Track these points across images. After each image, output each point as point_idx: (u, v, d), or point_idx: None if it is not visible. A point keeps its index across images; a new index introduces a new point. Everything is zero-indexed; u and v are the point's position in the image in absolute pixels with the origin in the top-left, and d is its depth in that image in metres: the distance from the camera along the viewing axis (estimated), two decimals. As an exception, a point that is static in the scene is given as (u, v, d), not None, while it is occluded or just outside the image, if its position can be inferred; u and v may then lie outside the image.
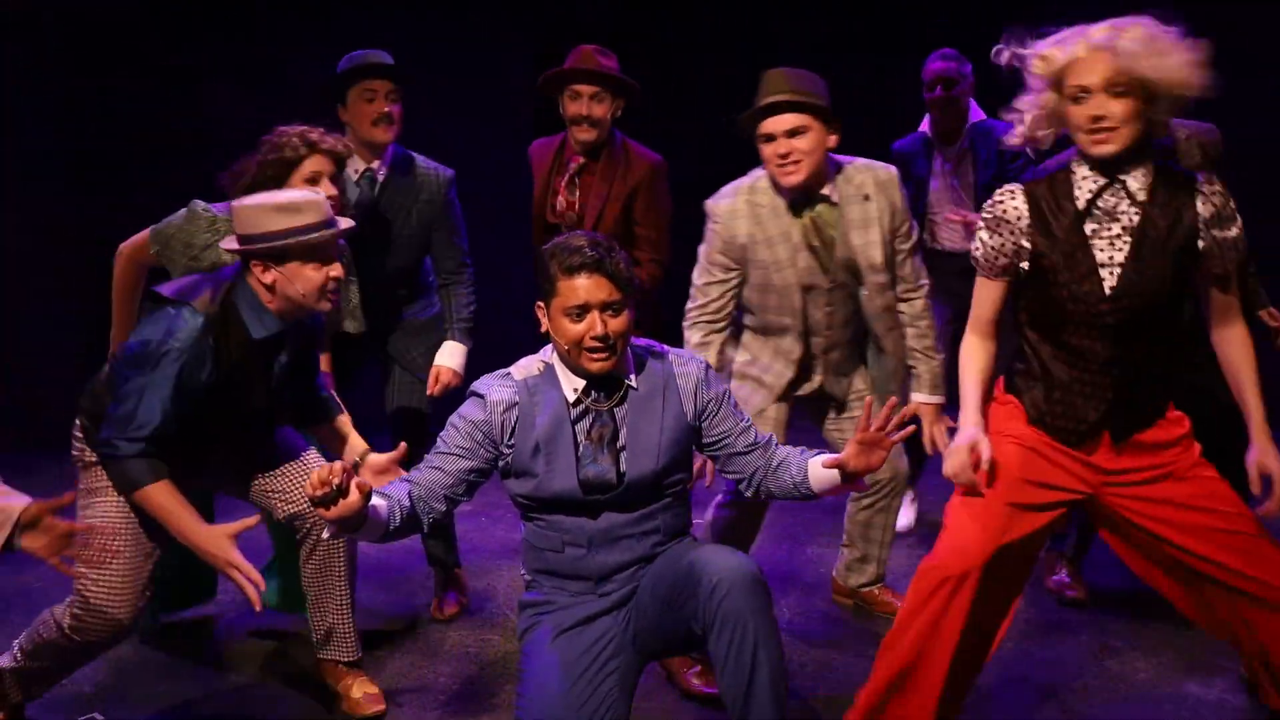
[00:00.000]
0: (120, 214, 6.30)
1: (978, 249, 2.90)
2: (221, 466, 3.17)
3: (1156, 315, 2.77)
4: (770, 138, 3.40)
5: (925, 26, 5.91)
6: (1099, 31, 2.67)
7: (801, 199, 3.48)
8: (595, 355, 2.71)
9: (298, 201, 3.00)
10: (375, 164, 3.86)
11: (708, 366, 2.91)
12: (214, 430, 3.12)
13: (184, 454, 3.02)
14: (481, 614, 4.05)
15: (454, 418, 2.81)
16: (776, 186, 3.50)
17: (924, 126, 4.75)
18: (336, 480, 2.40)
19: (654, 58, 5.76)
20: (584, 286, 2.68)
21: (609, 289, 2.69)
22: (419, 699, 3.46)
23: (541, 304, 2.78)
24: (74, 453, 3.20)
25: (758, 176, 3.55)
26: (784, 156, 3.39)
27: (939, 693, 2.83)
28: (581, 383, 2.79)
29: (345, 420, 3.39)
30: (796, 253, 3.49)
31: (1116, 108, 2.65)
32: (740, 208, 3.51)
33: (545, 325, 2.80)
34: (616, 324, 2.71)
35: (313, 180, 3.40)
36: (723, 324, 3.63)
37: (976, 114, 4.67)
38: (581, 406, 2.79)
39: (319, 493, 2.39)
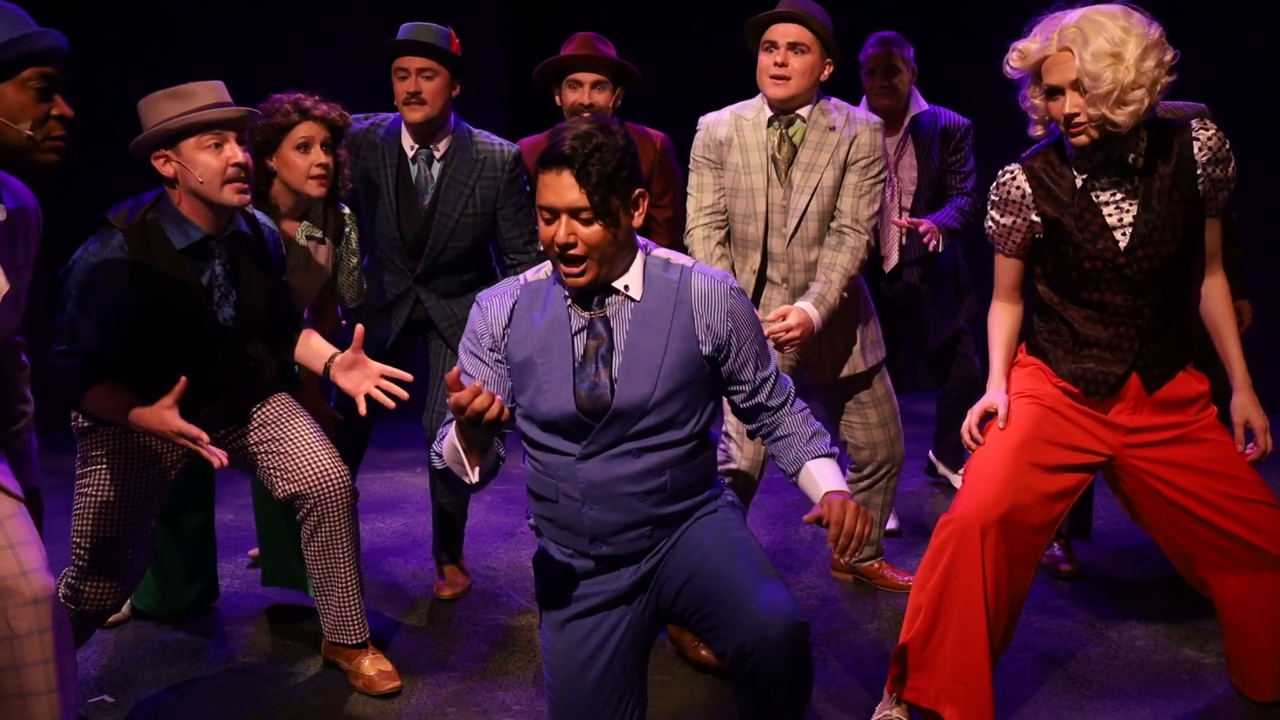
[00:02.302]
0: (80, 196, 6.29)
1: (991, 227, 2.98)
2: (211, 411, 3.14)
3: (1173, 261, 2.84)
4: (772, 46, 3.56)
5: (927, 29, 5.96)
6: (1070, 27, 2.69)
7: (780, 114, 3.63)
8: (567, 267, 2.45)
9: (190, 88, 3.03)
10: (433, 143, 3.81)
11: (739, 291, 2.58)
12: (174, 354, 3.08)
13: (157, 386, 2.97)
14: (484, 594, 4.06)
15: (463, 340, 2.63)
16: (764, 101, 3.64)
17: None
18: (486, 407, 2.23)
19: (641, 40, 5.77)
20: (551, 185, 2.40)
21: (578, 193, 2.38)
22: (431, 676, 3.46)
23: None
24: (71, 422, 3.21)
25: (750, 102, 3.71)
26: (779, 65, 3.52)
27: (987, 648, 2.83)
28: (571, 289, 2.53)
29: (309, 331, 3.35)
30: (766, 163, 3.63)
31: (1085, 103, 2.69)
32: (725, 118, 3.69)
33: None
34: (588, 234, 2.41)
35: (304, 145, 3.44)
36: (721, 222, 3.69)
37: (919, 104, 4.48)
38: (586, 314, 2.53)
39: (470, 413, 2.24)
